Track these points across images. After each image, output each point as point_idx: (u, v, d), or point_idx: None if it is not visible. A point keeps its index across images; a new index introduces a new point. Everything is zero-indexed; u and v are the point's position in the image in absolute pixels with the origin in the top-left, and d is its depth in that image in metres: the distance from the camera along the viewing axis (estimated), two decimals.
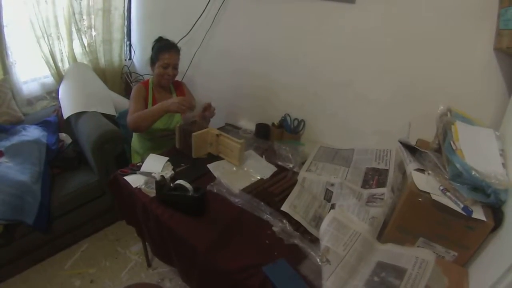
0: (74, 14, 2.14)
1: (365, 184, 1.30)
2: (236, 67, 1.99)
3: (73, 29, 2.19)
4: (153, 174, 1.37)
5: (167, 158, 1.52)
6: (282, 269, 1.00)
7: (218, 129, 1.69)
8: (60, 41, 2.15)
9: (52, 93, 2.29)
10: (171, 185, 1.26)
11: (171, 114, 1.76)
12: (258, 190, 1.36)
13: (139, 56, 2.65)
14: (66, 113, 1.98)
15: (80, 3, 2.16)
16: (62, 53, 2.20)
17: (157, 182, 1.27)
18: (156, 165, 1.47)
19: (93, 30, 2.31)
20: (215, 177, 1.43)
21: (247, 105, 2.04)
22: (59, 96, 2.11)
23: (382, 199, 1.15)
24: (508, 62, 1.10)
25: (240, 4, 1.81)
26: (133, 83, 2.62)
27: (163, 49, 1.67)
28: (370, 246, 1.01)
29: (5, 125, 1.93)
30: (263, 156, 1.62)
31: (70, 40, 2.21)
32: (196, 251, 1.09)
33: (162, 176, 1.29)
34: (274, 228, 1.16)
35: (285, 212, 1.20)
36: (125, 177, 1.40)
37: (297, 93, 1.74)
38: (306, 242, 1.09)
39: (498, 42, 1.06)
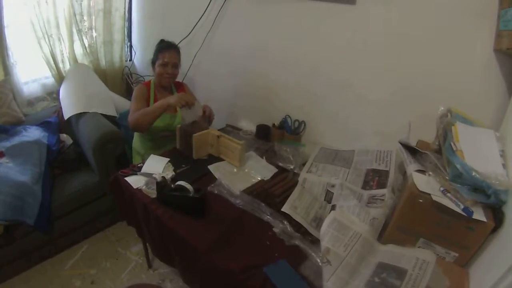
0: (74, 15, 2.14)
1: (366, 185, 1.30)
2: (236, 68, 2.00)
3: (74, 30, 2.19)
4: (153, 175, 1.37)
5: (167, 159, 1.52)
6: (283, 270, 1.00)
7: (219, 130, 1.70)
8: (60, 42, 2.16)
9: (52, 94, 2.29)
10: (172, 186, 1.27)
11: (172, 115, 1.77)
12: (258, 191, 1.36)
13: (140, 57, 2.66)
14: (67, 114, 1.98)
15: (81, 4, 2.16)
16: (62, 54, 2.20)
17: (158, 183, 1.27)
18: (157, 166, 1.47)
19: (93, 31, 2.31)
20: (215, 178, 1.43)
21: (247, 106, 2.04)
22: (60, 97, 2.11)
23: (383, 200, 1.15)
24: (508, 63, 1.10)
25: (240, 6, 1.81)
26: (133, 84, 2.62)
27: (162, 49, 1.70)
28: (371, 247, 1.01)
29: (6, 126, 1.94)
30: (264, 157, 1.63)
31: (71, 41, 2.22)
32: (197, 252, 1.09)
33: (163, 177, 1.30)
34: (275, 229, 1.16)
35: (286, 213, 1.20)
36: (126, 178, 1.41)
37: (298, 94, 1.74)
38: (307, 243, 1.10)
39: (498, 43, 1.07)
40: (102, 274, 1.78)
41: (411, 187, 0.94)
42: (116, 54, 2.51)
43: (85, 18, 2.23)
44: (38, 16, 1.98)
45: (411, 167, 1.01)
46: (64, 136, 2.06)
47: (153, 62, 1.74)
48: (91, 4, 2.22)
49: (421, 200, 0.91)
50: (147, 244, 1.64)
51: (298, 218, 1.19)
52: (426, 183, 0.94)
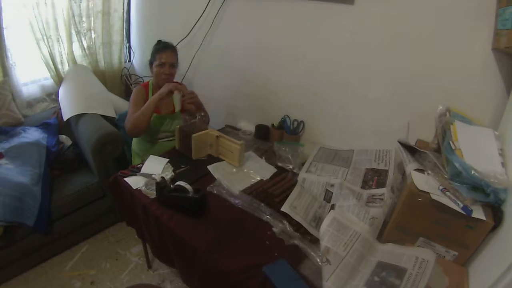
0: (73, 16, 2.14)
1: (365, 184, 1.30)
2: (235, 68, 2.00)
3: (73, 32, 2.19)
4: (153, 176, 1.37)
5: (167, 160, 1.52)
6: (282, 270, 1.00)
7: (218, 130, 1.70)
8: (59, 43, 2.16)
9: (52, 95, 2.29)
10: (171, 186, 1.27)
11: (171, 116, 1.77)
12: (258, 191, 1.36)
13: (139, 58, 2.66)
14: (66, 115, 1.98)
15: (80, 5, 2.16)
16: (61, 55, 2.20)
17: (157, 184, 1.27)
18: (156, 166, 1.47)
19: (92, 32, 2.31)
20: (215, 178, 1.43)
21: (246, 107, 2.04)
22: (59, 98, 2.11)
23: (382, 199, 1.16)
24: (506, 62, 1.11)
25: (239, 6, 1.81)
26: (132, 85, 2.62)
27: (159, 49, 1.71)
28: (370, 246, 1.01)
29: (5, 127, 1.94)
30: (263, 157, 1.63)
31: (70, 42, 2.22)
32: (197, 252, 1.09)
33: (163, 178, 1.30)
34: (274, 229, 1.16)
35: (285, 212, 1.20)
36: (125, 179, 1.41)
37: (297, 94, 1.74)
38: (306, 242, 1.10)
39: (496, 42, 1.07)
40: (102, 275, 1.77)
41: (410, 186, 0.94)
42: (115, 55, 2.51)
43: (84, 19, 2.23)
44: (37, 18, 1.98)
45: (410, 166, 1.01)
46: (63, 137, 2.06)
47: (151, 63, 1.75)
48: (90, 5, 2.22)
49: (420, 199, 0.92)
50: (147, 244, 1.64)
51: (297, 218, 1.19)
52: (425, 182, 0.94)
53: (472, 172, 0.86)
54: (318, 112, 1.70)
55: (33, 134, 1.90)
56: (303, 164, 1.54)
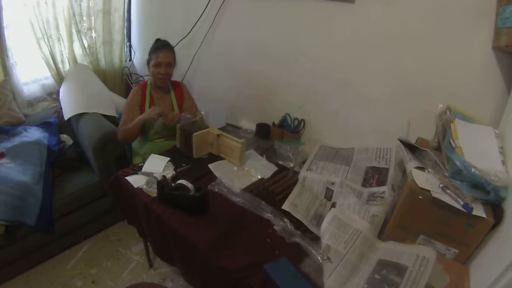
0: (74, 15, 2.14)
1: (366, 182, 1.30)
2: (236, 67, 2.00)
3: (73, 31, 2.19)
4: (154, 174, 1.37)
5: (168, 158, 1.52)
6: (283, 267, 1.01)
7: (219, 129, 1.70)
8: (60, 43, 2.16)
9: (52, 95, 2.29)
10: (173, 185, 1.27)
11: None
12: (259, 189, 1.36)
13: (139, 57, 2.66)
14: (67, 114, 1.98)
15: (80, 4, 2.17)
16: (62, 54, 2.20)
17: (158, 182, 1.27)
18: (157, 165, 1.47)
19: (93, 31, 2.31)
20: (216, 176, 1.43)
21: (247, 105, 2.05)
22: (60, 98, 2.12)
23: (383, 197, 1.16)
24: (506, 60, 1.11)
25: (239, 4, 1.81)
26: (133, 84, 2.63)
27: (156, 49, 1.70)
28: (371, 244, 1.02)
29: (6, 127, 1.94)
30: (264, 156, 1.63)
31: (71, 42, 2.22)
32: (198, 250, 1.10)
33: (164, 176, 1.30)
34: (275, 227, 1.16)
35: (286, 211, 1.21)
36: (127, 178, 1.41)
37: (297, 92, 1.74)
38: (307, 240, 1.10)
39: (496, 40, 1.07)
40: (103, 274, 1.78)
41: (410, 184, 0.94)
42: (115, 54, 2.51)
43: (84, 18, 2.23)
44: (37, 17, 1.98)
45: (411, 164, 1.02)
46: (64, 137, 2.06)
47: (148, 63, 1.74)
48: (91, 4, 2.22)
49: (421, 197, 0.92)
50: (148, 243, 1.65)
51: (298, 216, 1.19)
52: (425, 180, 0.94)
53: (473, 170, 0.86)
54: (318, 111, 1.70)
55: (34, 134, 1.91)
56: (303, 163, 1.55)
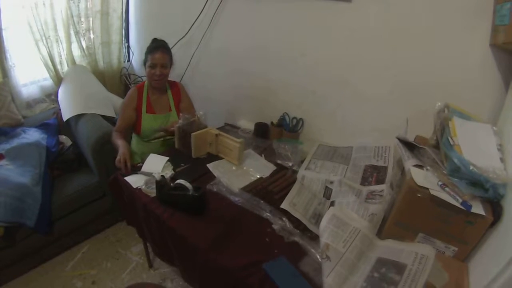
0: (72, 16, 2.14)
1: (364, 181, 1.30)
2: (234, 67, 2.00)
3: (72, 32, 2.19)
4: (153, 174, 1.37)
5: (167, 158, 1.52)
6: (282, 266, 1.01)
7: (218, 128, 1.70)
8: (58, 44, 2.16)
9: (51, 96, 2.29)
10: (172, 184, 1.27)
11: (165, 115, 1.77)
12: (257, 188, 1.36)
13: (138, 57, 2.66)
14: (66, 115, 1.98)
15: (78, 5, 2.16)
16: (61, 55, 2.20)
17: (157, 182, 1.27)
18: (156, 165, 1.47)
19: (91, 32, 2.31)
20: (215, 176, 1.43)
21: (246, 105, 2.05)
22: (59, 99, 2.11)
23: (381, 195, 1.16)
24: (504, 58, 1.11)
25: (237, 4, 1.81)
26: (132, 85, 2.62)
27: (151, 49, 1.68)
28: (370, 242, 1.01)
29: (5, 128, 1.94)
30: (263, 155, 1.63)
31: (69, 43, 2.22)
32: (197, 250, 1.10)
33: (163, 176, 1.30)
34: (274, 226, 1.16)
35: (285, 210, 1.21)
36: (125, 178, 1.41)
37: (296, 91, 1.74)
38: (306, 239, 1.10)
39: (494, 37, 1.07)
40: (103, 275, 1.78)
41: (409, 182, 0.94)
42: (114, 55, 2.51)
43: (82, 19, 2.22)
44: (35, 18, 1.98)
45: (409, 162, 1.02)
46: (63, 138, 2.06)
47: (144, 63, 1.73)
48: (89, 5, 2.22)
49: (419, 195, 0.92)
50: (148, 243, 1.64)
51: (297, 215, 1.19)
52: (424, 177, 0.94)
53: (471, 167, 0.86)
54: (317, 110, 1.70)
55: (33, 135, 1.90)
56: (302, 162, 1.54)
